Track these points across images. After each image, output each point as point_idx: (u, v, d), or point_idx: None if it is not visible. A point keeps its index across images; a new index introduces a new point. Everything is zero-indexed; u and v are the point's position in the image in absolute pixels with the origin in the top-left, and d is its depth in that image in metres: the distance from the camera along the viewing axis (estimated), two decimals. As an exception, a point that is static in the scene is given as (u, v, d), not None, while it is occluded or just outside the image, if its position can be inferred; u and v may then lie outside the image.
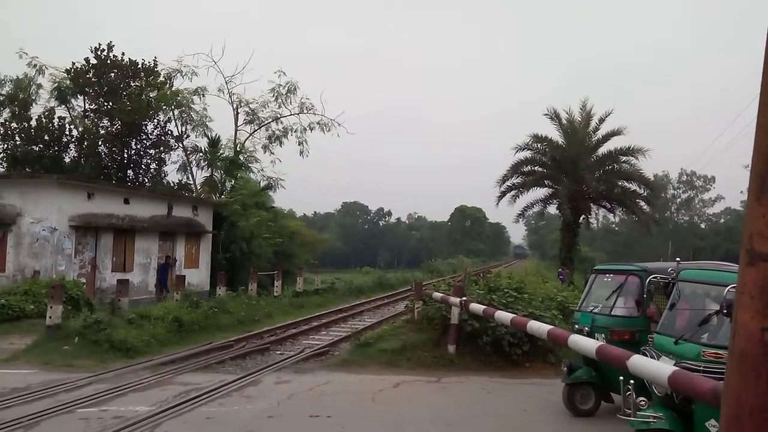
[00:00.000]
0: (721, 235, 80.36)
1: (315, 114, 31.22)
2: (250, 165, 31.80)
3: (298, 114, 31.29)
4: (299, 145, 31.74)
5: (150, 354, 11.28)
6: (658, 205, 41.34)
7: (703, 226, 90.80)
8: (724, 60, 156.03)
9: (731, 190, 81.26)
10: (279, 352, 12.35)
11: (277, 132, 31.63)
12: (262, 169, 32.23)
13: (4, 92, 30.00)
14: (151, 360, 10.71)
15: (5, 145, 27.98)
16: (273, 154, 31.79)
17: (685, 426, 5.18)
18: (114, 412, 7.31)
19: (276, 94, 30.60)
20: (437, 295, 12.07)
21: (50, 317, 11.74)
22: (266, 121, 31.48)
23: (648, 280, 7.32)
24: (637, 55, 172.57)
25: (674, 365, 4.85)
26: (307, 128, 31.52)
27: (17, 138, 28.07)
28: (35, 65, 28.46)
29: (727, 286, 4.95)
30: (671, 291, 6.39)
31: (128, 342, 11.36)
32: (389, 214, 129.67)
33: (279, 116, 31.39)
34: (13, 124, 28.40)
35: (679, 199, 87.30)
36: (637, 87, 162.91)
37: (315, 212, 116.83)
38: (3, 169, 27.30)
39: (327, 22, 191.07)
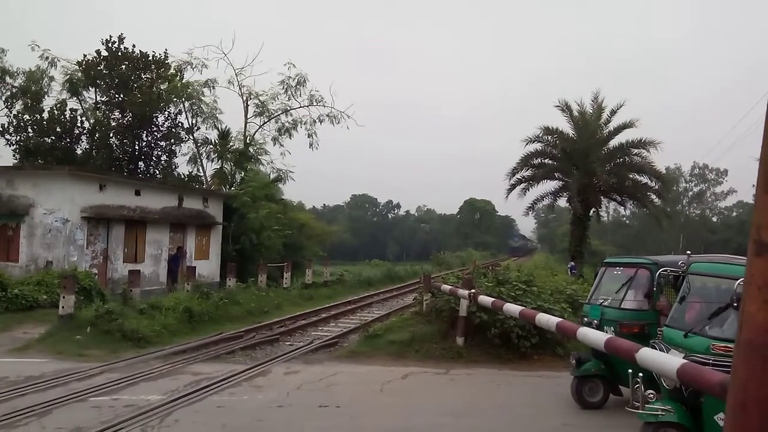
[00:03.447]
0: (733, 228, 79.54)
1: (324, 106, 31.22)
2: (259, 157, 31.90)
3: (307, 106, 31.32)
4: (309, 137, 31.80)
5: (161, 344, 11.40)
6: (669, 199, 41.07)
7: (714, 219, 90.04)
8: (741, 48, 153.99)
9: (744, 183, 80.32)
10: (288, 343, 12.44)
11: (286, 124, 31.71)
12: (271, 161, 32.32)
13: (16, 84, 30.26)
14: (162, 350, 10.82)
15: (18, 137, 28.24)
16: (282, 146, 31.88)
17: (693, 419, 5.17)
18: (126, 400, 7.40)
19: (286, 86, 30.64)
20: (446, 287, 12.08)
21: (63, 307, 11.89)
22: (276, 114, 31.53)
23: (658, 273, 7.30)
24: (653, 42, 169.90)
25: (683, 358, 4.85)
26: (317, 120, 31.54)
27: (30, 130, 28.32)
28: (47, 57, 28.68)
29: (737, 279, 4.92)
30: (681, 284, 6.37)
31: (139, 332, 11.48)
32: (398, 206, 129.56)
33: (289, 108, 31.45)
34: (25, 116, 28.65)
35: (690, 193, 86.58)
36: (653, 75, 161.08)
37: (324, 204, 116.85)
38: (16, 161, 27.57)
39: (334, 12, 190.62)
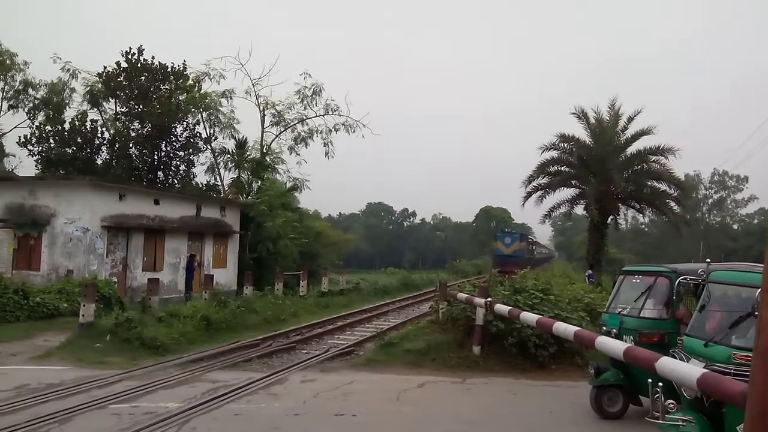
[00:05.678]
0: (754, 236, 78.21)
1: (340, 115, 31.49)
2: (276, 166, 32.22)
3: (323, 115, 31.62)
4: (324, 146, 32.09)
5: (179, 352, 11.48)
6: (688, 206, 40.54)
7: (735, 227, 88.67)
8: (762, 49, 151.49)
9: (765, 190, 79.10)
10: (305, 351, 12.45)
11: (302, 133, 32.03)
12: (287, 170, 32.64)
13: (39, 96, 30.90)
14: (181, 358, 10.89)
15: (40, 148, 28.80)
16: (298, 155, 32.19)
17: (714, 430, 5.09)
18: (145, 408, 7.47)
19: (302, 96, 30.96)
20: (462, 295, 12.03)
21: (83, 315, 12.04)
22: (292, 123, 31.83)
23: (677, 281, 7.20)
24: (670, 42, 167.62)
25: (704, 368, 4.77)
26: (332, 129, 31.81)
27: (51, 140, 28.87)
28: (69, 69, 29.31)
29: (758, 287, 4.85)
30: (701, 293, 6.28)
31: (158, 340, 11.58)
32: (414, 214, 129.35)
33: (304, 118, 31.78)
34: (47, 127, 29.24)
35: (710, 200, 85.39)
36: (669, 78, 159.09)
37: (340, 213, 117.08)
38: (38, 171, 28.08)
39: (348, 20, 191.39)
